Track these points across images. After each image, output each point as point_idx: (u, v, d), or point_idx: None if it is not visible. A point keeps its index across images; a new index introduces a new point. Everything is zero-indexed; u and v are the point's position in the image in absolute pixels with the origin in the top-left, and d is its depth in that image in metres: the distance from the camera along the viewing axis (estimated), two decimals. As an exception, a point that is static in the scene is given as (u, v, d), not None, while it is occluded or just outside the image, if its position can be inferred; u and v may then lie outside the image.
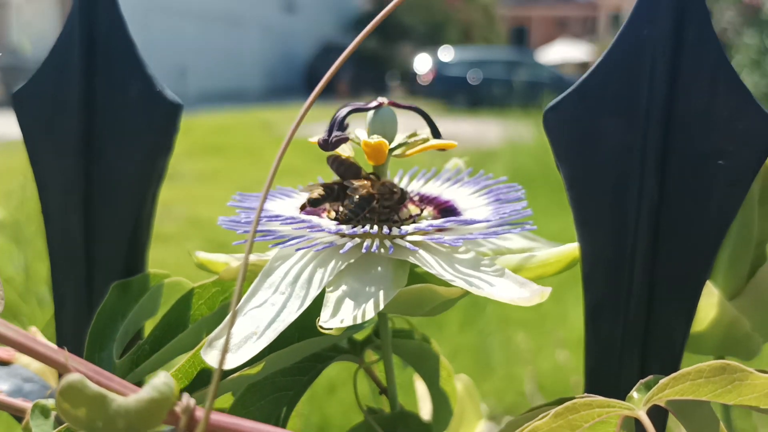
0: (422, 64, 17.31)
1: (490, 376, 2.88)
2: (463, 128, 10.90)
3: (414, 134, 0.51)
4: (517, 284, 0.42)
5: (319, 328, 0.41)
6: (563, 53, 22.61)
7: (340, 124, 0.47)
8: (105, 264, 0.54)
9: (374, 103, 0.49)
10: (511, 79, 14.45)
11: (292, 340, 0.50)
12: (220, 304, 0.52)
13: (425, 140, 0.49)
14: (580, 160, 0.44)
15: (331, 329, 0.41)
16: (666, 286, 0.43)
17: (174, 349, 0.49)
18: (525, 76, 15.13)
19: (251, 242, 0.39)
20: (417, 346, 0.57)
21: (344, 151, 0.49)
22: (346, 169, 0.48)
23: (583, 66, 22.26)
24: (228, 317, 0.44)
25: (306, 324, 0.48)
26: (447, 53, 16.99)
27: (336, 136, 0.46)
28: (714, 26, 0.42)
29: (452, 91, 15.80)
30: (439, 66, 16.50)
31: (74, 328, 0.55)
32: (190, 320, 0.51)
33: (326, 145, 0.46)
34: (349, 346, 0.55)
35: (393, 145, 0.50)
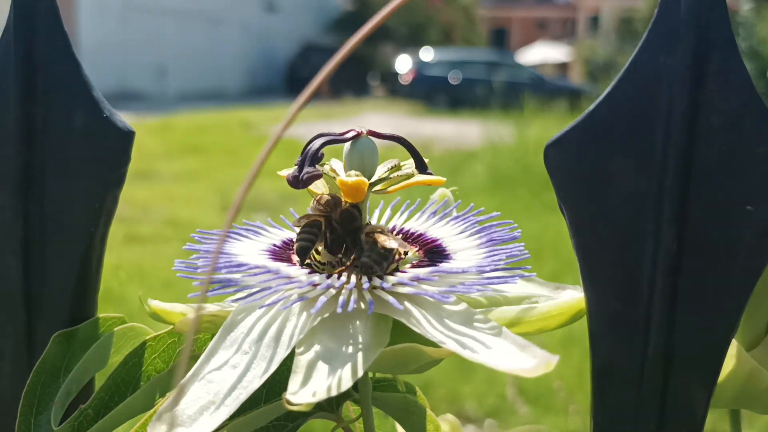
0: (403, 64, 17.27)
1: (471, 379, 2.84)
2: (444, 129, 10.88)
3: (397, 167, 0.45)
4: (517, 347, 0.37)
5: (285, 403, 0.35)
6: (543, 54, 22.68)
7: (312, 159, 0.41)
8: (47, 312, 0.48)
9: (351, 133, 0.43)
10: (491, 80, 14.45)
11: (258, 400, 0.44)
12: (177, 358, 0.46)
13: (409, 176, 0.43)
14: (586, 205, 0.39)
15: (300, 404, 0.35)
16: (686, 349, 0.38)
17: (122, 414, 0.43)
18: (505, 77, 15.13)
19: (201, 300, 0.33)
20: (401, 399, 0.51)
21: (317, 187, 0.43)
22: (334, 206, 0.42)
23: (562, 66, 22.36)
24: (181, 382, 0.38)
25: (275, 380, 0.43)
26: (427, 54, 16.96)
27: (307, 172, 0.40)
28: (739, 53, 0.36)
29: (433, 92, 15.76)
30: (419, 66, 16.47)
31: (12, 385, 0.48)
32: (142, 378, 0.45)
33: (296, 182, 0.40)
34: (325, 401, 0.49)
35: (373, 179, 0.44)
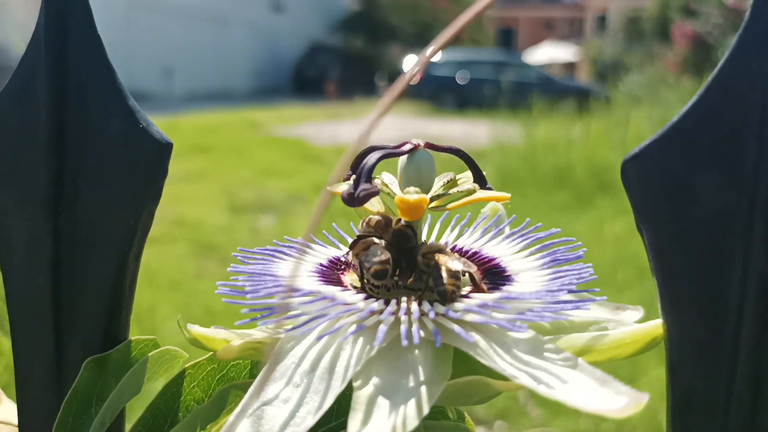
0: (410, 64, 17.23)
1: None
2: (452, 129, 10.83)
3: (453, 182, 0.42)
4: (597, 382, 0.33)
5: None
6: (550, 54, 22.60)
7: (368, 175, 0.38)
8: (78, 336, 0.45)
9: (408, 146, 0.40)
10: (498, 80, 14.39)
11: (329, 418, 0.41)
12: (218, 387, 0.43)
13: (471, 192, 0.40)
14: (669, 224, 0.35)
15: (363, 446, 0.32)
16: (778, 382, 0.35)
17: (161, 448, 0.40)
18: (513, 77, 15.08)
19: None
20: (452, 427, 0.48)
21: (372, 205, 0.40)
22: (385, 227, 0.39)
23: (570, 66, 22.28)
24: (230, 419, 0.35)
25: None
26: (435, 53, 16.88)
27: (364, 189, 0.37)
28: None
29: (440, 92, 15.72)
30: (427, 66, 16.41)
31: (40, 413, 0.45)
32: (181, 408, 0.42)
33: (352, 200, 0.37)
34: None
35: (431, 194, 0.41)
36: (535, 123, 8.91)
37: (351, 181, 0.38)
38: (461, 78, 15.91)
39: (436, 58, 16.68)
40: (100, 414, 0.42)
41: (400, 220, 0.41)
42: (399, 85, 0.27)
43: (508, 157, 7.54)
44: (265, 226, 5.12)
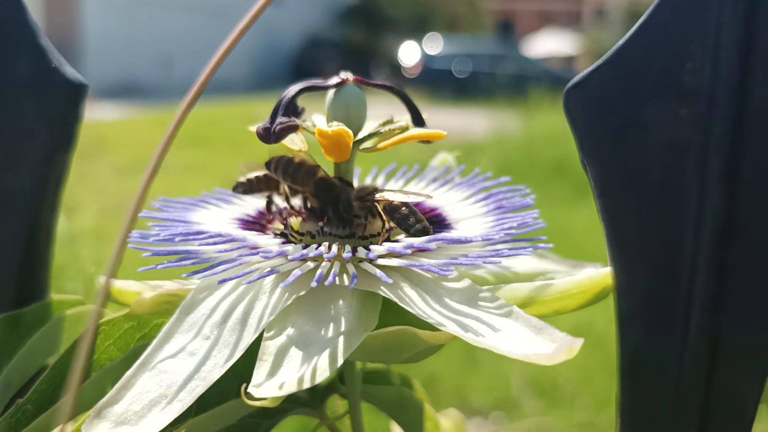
0: (408, 55, 17.17)
1: (478, 371, 2.78)
2: (450, 120, 10.76)
3: (389, 121, 0.38)
4: (531, 330, 0.30)
5: (244, 398, 0.29)
6: (549, 46, 22.51)
7: (287, 107, 0.34)
8: (-12, 292, 0.41)
9: (335, 80, 0.37)
10: (497, 72, 14.33)
11: (229, 393, 0.38)
12: (135, 344, 0.39)
13: (403, 129, 0.37)
14: (615, 160, 0.32)
15: (265, 398, 0.28)
16: (734, 335, 0.31)
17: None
18: (511, 69, 15.00)
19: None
20: (395, 393, 0.45)
21: (293, 143, 0.36)
22: (295, 170, 0.36)
23: (569, 58, 22.21)
24: (128, 373, 0.32)
25: (248, 370, 0.36)
26: (434, 44, 16.85)
27: (281, 123, 0.33)
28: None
29: (439, 83, 15.64)
30: (426, 59, 16.36)
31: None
32: (94, 367, 0.38)
33: (268, 135, 0.34)
34: (307, 395, 0.43)
35: (361, 135, 0.37)
36: (533, 115, 8.86)
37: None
38: (460, 71, 15.84)
39: (434, 51, 16.60)
40: (5, 373, 0.38)
41: (317, 169, 0.37)
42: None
43: (507, 149, 7.50)
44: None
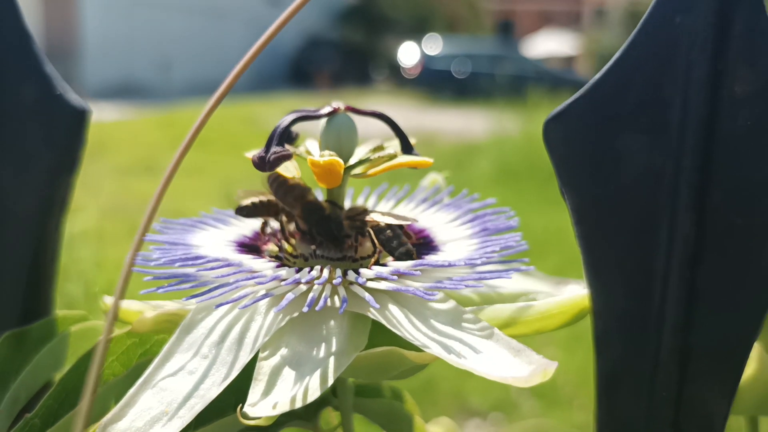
0: (408, 55, 17.17)
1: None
2: (449, 121, 10.78)
3: (379, 147, 0.40)
4: (510, 352, 0.32)
5: (239, 417, 0.30)
6: (549, 47, 22.54)
7: (281, 137, 0.36)
8: (-5, 310, 0.43)
9: (327, 109, 0.38)
10: (497, 73, 14.34)
11: (226, 407, 0.40)
12: (138, 360, 0.41)
13: (392, 156, 0.39)
14: (591, 188, 0.34)
15: (258, 417, 0.30)
16: (703, 352, 0.33)
17: (71, 424, 0.38)
18: (511, 70, 15.02)
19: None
20: (386, 405, 0.46)
21: (287, 170, 0.38)
22: (286, 192, 0.38)
23: (568, 59, 22.23)
24: (131, 391, 0.34)
25: (244, 386, 0.38)
26: (433, 45, 16.85)
27: (275, 152, 0.35)
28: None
29: (438, 84, 15.66)
30: (426, 60, 16.37)
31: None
32: (99, 384, 0.40)
33: (263, 163, 0.36)
34: (302, 408, 0.44)
35: (352, 161, 0.39)
36: (532, 116, 8.88)
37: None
38: (459, 71, 15.86)
39: (434, 51, 16.60)
40: (12, 389, 0.40)
41: (307, 193, 0.39)
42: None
43: (505, 150, 7.51)
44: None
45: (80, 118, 0.42)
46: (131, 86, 15.33)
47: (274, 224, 0.41)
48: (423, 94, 15.47)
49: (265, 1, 20.82)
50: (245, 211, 0.39)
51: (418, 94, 15.61)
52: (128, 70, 15.74)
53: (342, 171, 0.36)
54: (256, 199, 0.39)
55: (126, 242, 4.50)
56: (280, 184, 0.37)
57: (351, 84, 17.01)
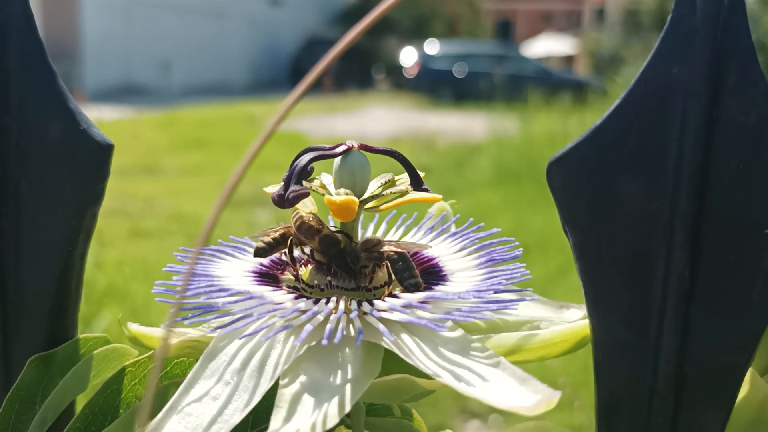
0: (408, 57, 17.19)
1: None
2: (449, 122, 10.81)
3: (390, 183, 0.42)
4: (517, 381, 0.34)
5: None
6: (548, 47, 22.57)
7: (299, 175, 0.38)
8: (24, 334, 0.45)
9: (341, 148, 0.40)
10: (496, 73, 14.37)
11: (244, 428, 0.42)
12: (160, 384, 0.43)
13: (403, 193, 0.41)
14: (592, 227, 0.36)
15: (282, 443, 0.32)
16: (698, 383, 0.35)
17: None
18: (510, 70, 15.04)
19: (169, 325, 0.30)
20: (396, 424, 0.48)
21: (305, 206, 0.40)
22: (301, 226, 0.40)
23: (568, 59, 22.25)
24: (158, 416, 0.36)
25: (262, 406, 0.40)
26: (432, 46, 16.87)
27: (294, 191, 0.37)
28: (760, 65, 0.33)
29: (438, 85, 15.68)
30: (424, 59, 16.37)
31: (-13, 411, 0.46)
32: (122, 405, 0.42)
33: (282, 201, 0.38)
34: (316, 427, 0.47)
35: (365, 196, 0.41)
36: (532, 116, 8.90)
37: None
38: (459, 71, 15.88)
39: (433, 51, 16.57)
40: (41, 411, 0.42)
41: (320, 227, 0.41)
42: (312, 74, 0.27)
43: (505, 150, 7.53)
44: (262, 220, 5.12)
45: (104, 152, 0.44)
46: (131, 87, 15.36)
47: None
48: (423, 96, 15.48)
49: (265, 2, 20.83)
50: (263, 252, 0.41)
51: (418, 95, 15.62)
52: (128, 70, 15.76)
53: (356, 208, 0.39)
54: (270, 238, 0.41)
55: (126, 243, 4.52)
56: (302, 223, 0.40)
57: (352, 85, 17.02)
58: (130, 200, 5.49)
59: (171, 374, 0.45)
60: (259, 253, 0.41)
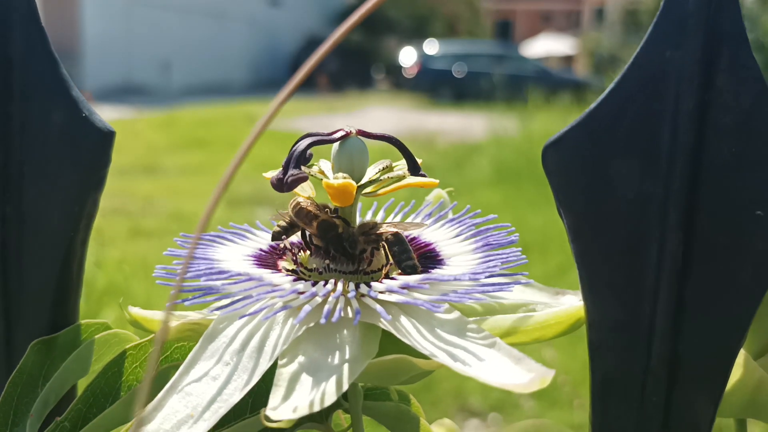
0: (407, 57, 17.19)
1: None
2: (449, 122, 10.83)
3: (388, 168, 0.43)
4: (512, 360, 0.35)
5: (263, 420, 0.33)
6: (548, 47, 22.59)
7: (298, 160, 0.39)
8: (26, 319, 0.46)
9: (340, 133, 0.41)
10: (496, 73, 14.38)
11: (243, 410, 0.42)
12: (160, 367, 0.44)
13: (401, 178, 0.41)
14: (587, 210, 0.36)
15: (280, 420, 0.33)
16: (690, 361, 0.36)
17: (100, 426, 0.41)
18: (510, 70, 15.06)
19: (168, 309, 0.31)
20: (393, 408, 0.49)
21: (303, 190, 0.41)
22: (305, 214, 0.40)
23: (567, 59, 22.27)
24: (159, 396, 0.36)
25: (261, 388, 0.41)
26: (432, 46, 16.87)
27: (292, 175, 0.38)
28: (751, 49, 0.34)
29: (437, 84, 15.68)
30: (424, 59, 16.38)
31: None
32: (123, 388, 0.43)
33: (281, 185, 0.38)
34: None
35: (363, 181, 0.42)
36: (531, 116, 8.91)
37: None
38: (458, 71, 15.88)
39: (432, 51, 16.57)
40: (42, 394, 0.43)
41: (326, 208, 0.42)
42: (300, 72, 0.28)
43: (505, 150, 7.54)
44: (262, 219, 5.12)
45: (105, 139, 0.44)
46: (130, 87, 15.36)
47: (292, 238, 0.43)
48: (422, 96, 15.49)
49: (264, 2, 20.84)
50: (279, 236, 0.42)
51: (417, 95, 15.63)
52: (128, 70, 15.77)
53: (354, 191, 0.39)
54: (281, 224, 0.42)
55: (127, 242, 4.53)
56: (300, 210, 0.40)
57: (351, 84, 17.03)
58: (130, 199, 5.50)
59: (171, 358, 0.45)
60: (276, 237, 0.42)
